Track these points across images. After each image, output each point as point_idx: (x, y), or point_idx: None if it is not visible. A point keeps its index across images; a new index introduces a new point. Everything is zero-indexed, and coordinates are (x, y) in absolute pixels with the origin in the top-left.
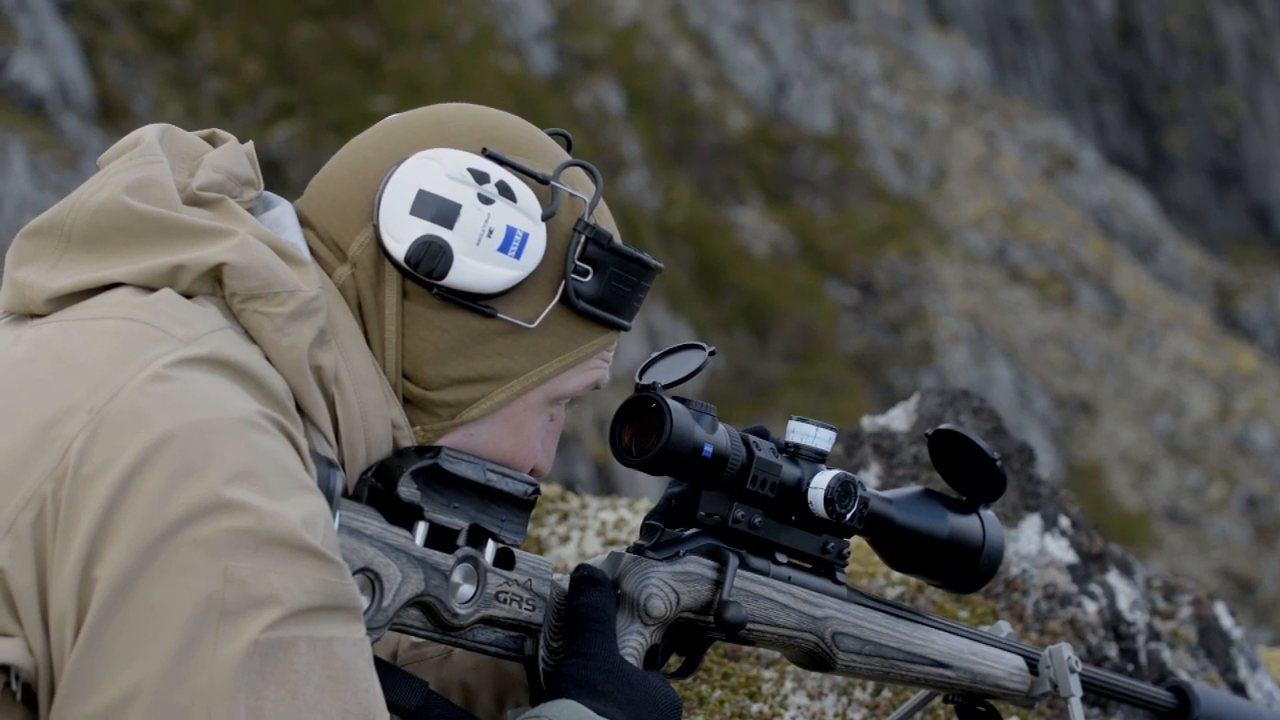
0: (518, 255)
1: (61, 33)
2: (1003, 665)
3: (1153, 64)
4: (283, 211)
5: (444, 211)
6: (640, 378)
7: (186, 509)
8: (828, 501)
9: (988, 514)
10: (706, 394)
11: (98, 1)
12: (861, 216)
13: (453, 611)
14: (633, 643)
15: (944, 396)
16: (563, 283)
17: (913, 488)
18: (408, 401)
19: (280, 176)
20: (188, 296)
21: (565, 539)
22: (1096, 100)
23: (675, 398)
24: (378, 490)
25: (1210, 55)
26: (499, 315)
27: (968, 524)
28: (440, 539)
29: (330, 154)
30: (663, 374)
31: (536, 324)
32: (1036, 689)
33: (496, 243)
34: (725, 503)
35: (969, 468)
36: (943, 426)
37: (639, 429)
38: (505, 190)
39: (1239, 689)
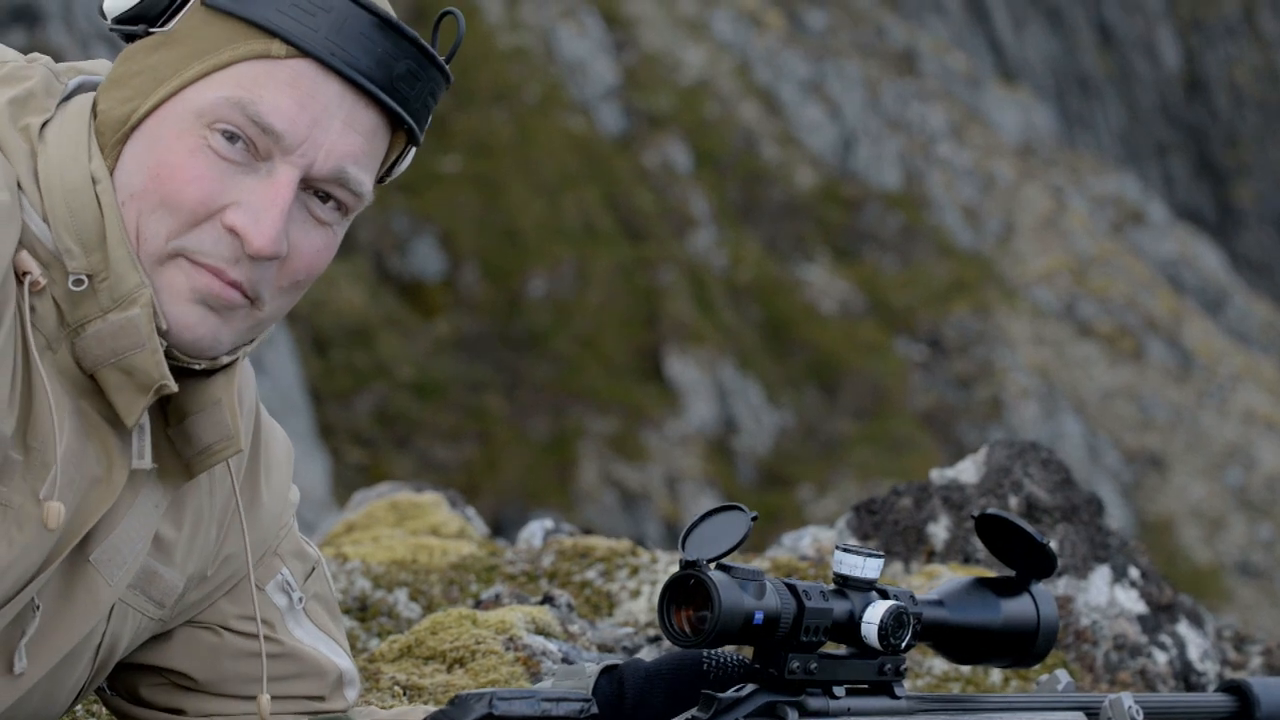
0: None
1: None
2: None
3: (1220, 117)
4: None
5: None
6: (682, 548)
7: None
8: (882, 635)
9: (1038, 588)
10: (777, 453)
11: None
12: (930, 273)
13: None
14: None
15: (1013, 449)
16: None
17: (962, 579)
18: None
19: (347, 238)
20: None
21: (636, 594)
22: (1164, 154)
23: (720, 566)
24: None
25: (1277, 107)
26: (150, 30)
27: (1020, 606)
28: None
29: (398, 215)
30: (706, 547)
31: (172, 26)
32: None
33: None
34: (778, 655)
35: (1017, 548)
36: (988, 510)
37: (688, 610)
38: None
39: None
